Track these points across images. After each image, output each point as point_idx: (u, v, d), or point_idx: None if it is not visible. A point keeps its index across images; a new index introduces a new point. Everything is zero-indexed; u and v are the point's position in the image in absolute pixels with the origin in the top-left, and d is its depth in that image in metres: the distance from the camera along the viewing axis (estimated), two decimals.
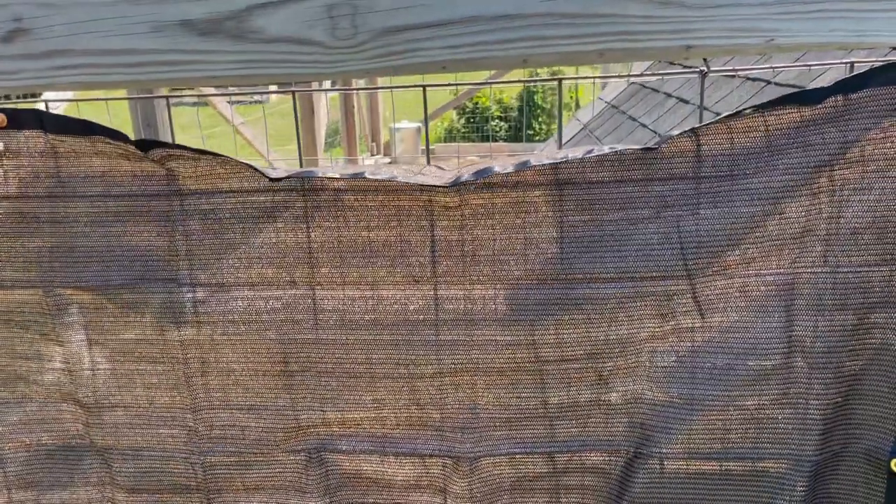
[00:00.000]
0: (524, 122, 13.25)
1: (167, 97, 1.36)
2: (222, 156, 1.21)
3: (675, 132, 1.16)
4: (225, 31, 1.08)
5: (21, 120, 1.23)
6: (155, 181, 1.24)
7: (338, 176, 1.19)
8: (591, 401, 1.29)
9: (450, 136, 12.94)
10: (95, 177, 1.25)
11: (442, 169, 1.26)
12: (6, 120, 1.21)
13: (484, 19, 1.04)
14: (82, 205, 1.26)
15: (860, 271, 1.17)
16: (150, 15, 1.07)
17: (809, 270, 1.18)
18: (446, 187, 1.18)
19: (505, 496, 1.38)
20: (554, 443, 1.33)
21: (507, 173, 1.17)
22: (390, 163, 9.32)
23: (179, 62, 1.10)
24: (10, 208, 1.28)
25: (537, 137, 12.68)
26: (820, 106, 1.12)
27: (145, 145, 1.20)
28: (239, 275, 1.29)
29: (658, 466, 1.29)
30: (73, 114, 1.42)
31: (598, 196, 1.19)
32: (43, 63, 1.12)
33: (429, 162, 1.42)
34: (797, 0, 1.03)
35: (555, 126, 12.83)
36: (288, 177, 1.21)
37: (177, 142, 1.50)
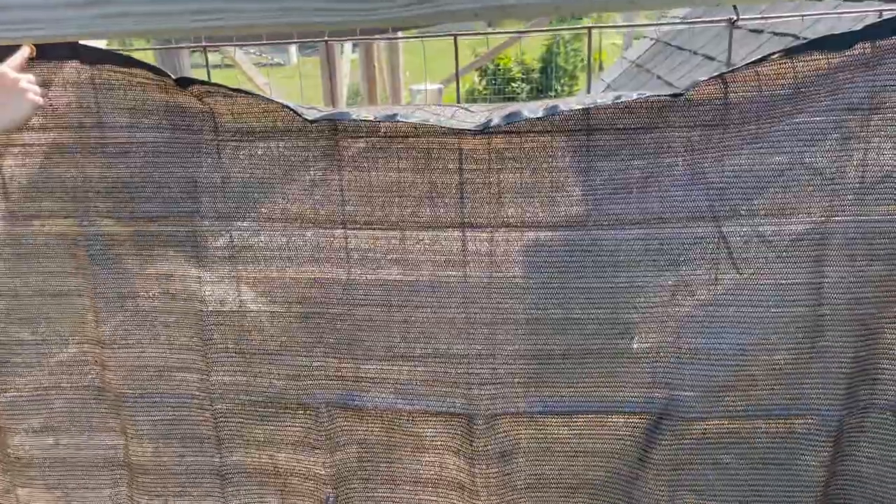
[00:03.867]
0: (546, 83, 13.11)
1: (203, 46, 1.39)
2: (259, 95, 1.25)
3: (704, 78, 1.17)
4: None
5: (56, 52, 1.26)
6: (191, 116, 1.28)
7: (371, 118, 1.22)
8: (614, 352, 1.30)
9: (471, 97, 12.86)
10: (133, 109, 1.28)
11: (471, 112, 1.28)
12: (35, 50, 1.23)
13: None
14: (118, 136, 1.30)
15: (890, 220, 1.18)
16: None
17: (838, 219, 1.19)
18: (476, 131, 1.21)
19: (521, 457, 1.37)
20: (576, 398, 1.33)
21: (537, 118, 1.19)
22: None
23: (221, 10, 1.13)
24: (47, 139, 1.31)
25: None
26: (848, 52, 1.12)
27: (185, 83, 1.24)
28: (267, 211, 1.32)
29: (684, 425, 1.29)
30: None
31: (626, 142, 1.20)
32: (88, 12, 1.15)
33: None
34: None
35: (577, 87, 12.67)
36: (323, 118, 1.24)
37: None
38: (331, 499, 1.46)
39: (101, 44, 1.69)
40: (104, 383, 1.43)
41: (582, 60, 13.57)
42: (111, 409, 1.45)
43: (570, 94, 12.64)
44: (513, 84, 13.05)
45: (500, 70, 13.14)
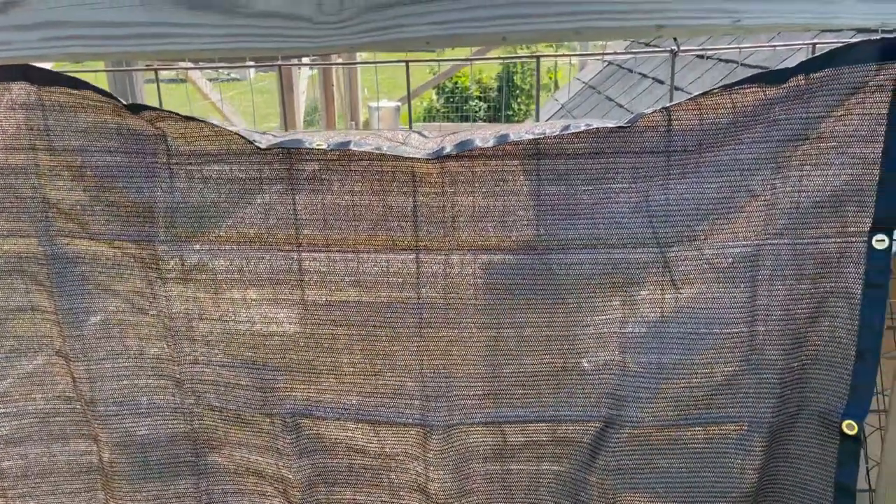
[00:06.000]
0: (503, 102, 13.25)
1: (154, 69, 1.38)
2: (210, 122, 1.25)
3: (649, 111, 1.21)
4: (214, 6, 1.10)
5: (4, 73, 1.24)
6: (143, 139, 1.27)
7: (324, 146, 1.23)
8: (562, 369, 1.34)
9: (429, 115, 12.96)
10: (85, 131, 1.27)
11: (425, 137, 1.30)
12: None
13: None
14: (71, 157, 1.29)
15: (818, 243, 1.23)
16: None
17: (772, 241, 1.24)
18: (428, 159, 1.22)
19: (477, 463, 1.41)
20: (527, 410, 1.37)
21: (487, 147, 1.22)
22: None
23: (169, 35, 1.13)
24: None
25: (516, 118, 12.72)
26: (784, 85, 1.17)
27: (135, 109, 1.23)
28: (223, 234, 1.32)
29: (628, 434, 1.34)
30: None
31: (573, 168, 1.24)
32: (34, 34, 1.14)
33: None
34: None
35: (534, 106, 12.84)
36: (275, 145, 1.24)
37: None
38: None
39: (47, 65, 1.67)
40: (77, 394, 1.44)
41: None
42: (84, 418, 1.45)
43: (528, 113, 12.79)
44: (470, 102, 13.17)
45: (457, 88, 13.26)
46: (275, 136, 1.28)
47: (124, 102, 1.22)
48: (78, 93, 1.24)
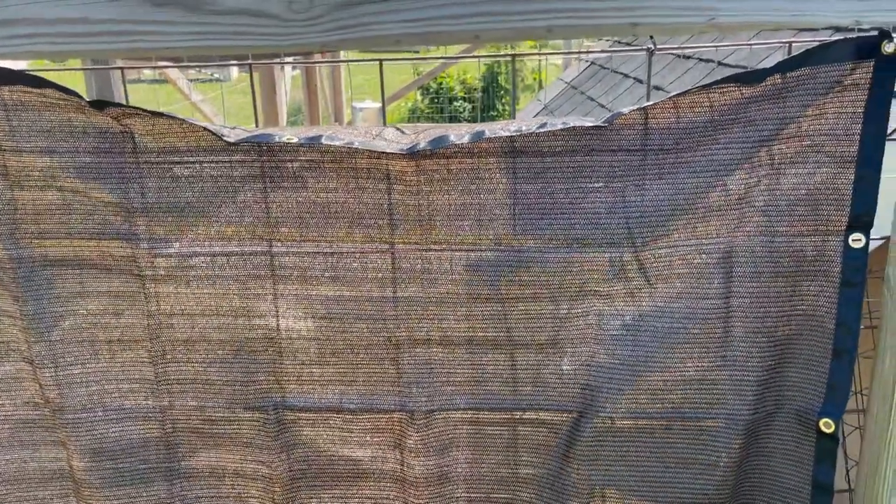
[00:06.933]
0: (488, 102, 13.26)
1: (123, 68, 1.36)
2: (177, 117, 1.22)
3: (626, 110, 1.20)
4: (180, 3, 1.08)
5: None
6: (110, 137, 1.25)
7: (295, 140, 1.21)
8: (539, 361, 1.33)
9: (414, 115, 12.94)
10: (49, 130, 1.24)
11: (401, 132, 1.28)
12: None
13: None
14: (35, 159, 1.26)
15: (794, 241, 1.23)
16: None
17: (748, 240, 1.24)
18: (403, 154, 1.21)
19: (456, 450, 1.42)
20: (503, 399, 1.37)
21: (462, 144, 1.20)
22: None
23: (135, 33, 1.11)
24: None
25: (500, 118, 12.73)
26: (761, 85, 1.16)
27: (100, 105, 1.20)
28: (197, 231, 1.30)
29: (603, 425, 1.34)
30: None
31: (549, 165, 1.23)
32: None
33: None
34: None
35: (519, 107, 12.87)
36: (244, 140, 1.22)
37: None
38: None
39: (22, 65, 1.64)
40: (47, 400, 1.40)
41: (523, 80, 13.78)
42: (55, 424, 1.42)
43: (511, 113, 12.81)
44: (455, 103, 13.17)
45: (442, 89, 13.25)
46: (245, 130, 1.26)
47: (87, 100, 1.19)
48: (39, 91, 1.21)
